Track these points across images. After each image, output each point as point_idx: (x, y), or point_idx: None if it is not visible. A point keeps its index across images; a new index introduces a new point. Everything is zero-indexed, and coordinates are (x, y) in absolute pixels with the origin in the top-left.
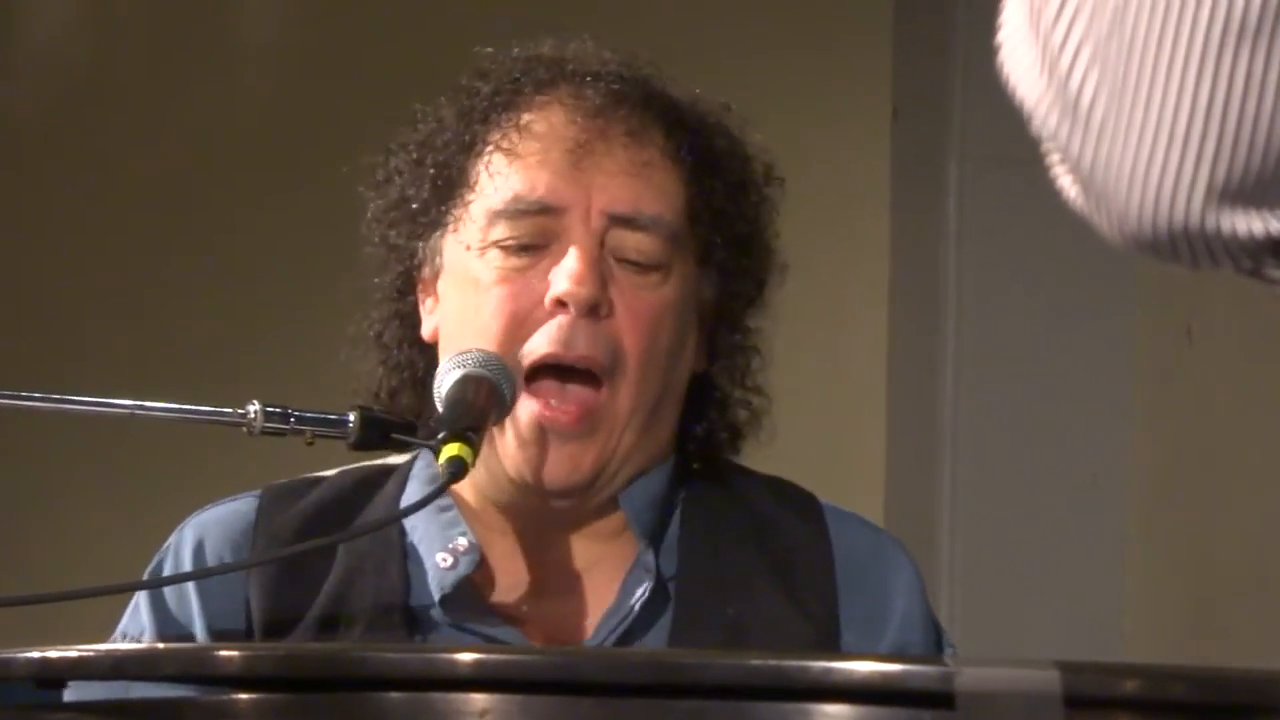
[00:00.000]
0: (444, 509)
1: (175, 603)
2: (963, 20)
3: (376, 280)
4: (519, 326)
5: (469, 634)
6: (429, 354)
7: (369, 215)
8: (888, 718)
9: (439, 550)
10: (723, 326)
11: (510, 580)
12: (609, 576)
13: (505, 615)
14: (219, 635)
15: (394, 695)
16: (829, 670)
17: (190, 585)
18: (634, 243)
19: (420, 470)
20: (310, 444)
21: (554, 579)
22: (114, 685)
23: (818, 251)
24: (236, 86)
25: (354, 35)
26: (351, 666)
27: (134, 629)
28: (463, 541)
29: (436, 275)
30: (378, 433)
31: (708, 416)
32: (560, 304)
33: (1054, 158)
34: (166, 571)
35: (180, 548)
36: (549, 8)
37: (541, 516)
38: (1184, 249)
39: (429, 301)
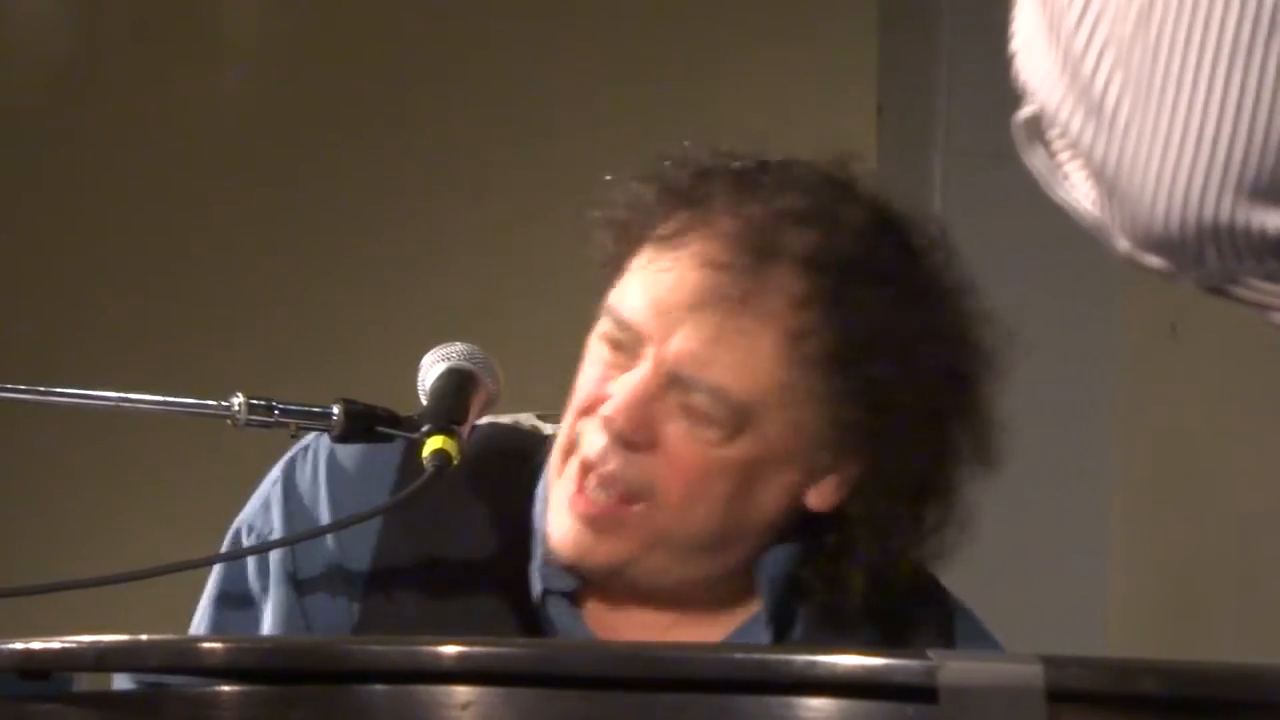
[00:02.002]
0: None
1: (310, 511)
2: (947, 16)
3: None
4: (586, 413)
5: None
6: None
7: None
8: (871, 712)
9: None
10: (863, 472)
11: (614, 603)
12: (714, 630)
13: (595, 627)
14: (343, 558)
15: (378, 688)
16: (812, 664)
17: (323, 498)
18: (694, 400)
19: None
20: (295, 436)
21: (658, 618)
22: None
23: None
24: (224, 79)
25: (339, 32)
26: (336, 659)
27: (262, 526)
28: None
29: None
30: (362, 425)
31: (834, 552)
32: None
33: (1068, 162)
34: (303, 473)
35: (319, 453)
36: (535, 7)
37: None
38: (1209, 249)
39: None
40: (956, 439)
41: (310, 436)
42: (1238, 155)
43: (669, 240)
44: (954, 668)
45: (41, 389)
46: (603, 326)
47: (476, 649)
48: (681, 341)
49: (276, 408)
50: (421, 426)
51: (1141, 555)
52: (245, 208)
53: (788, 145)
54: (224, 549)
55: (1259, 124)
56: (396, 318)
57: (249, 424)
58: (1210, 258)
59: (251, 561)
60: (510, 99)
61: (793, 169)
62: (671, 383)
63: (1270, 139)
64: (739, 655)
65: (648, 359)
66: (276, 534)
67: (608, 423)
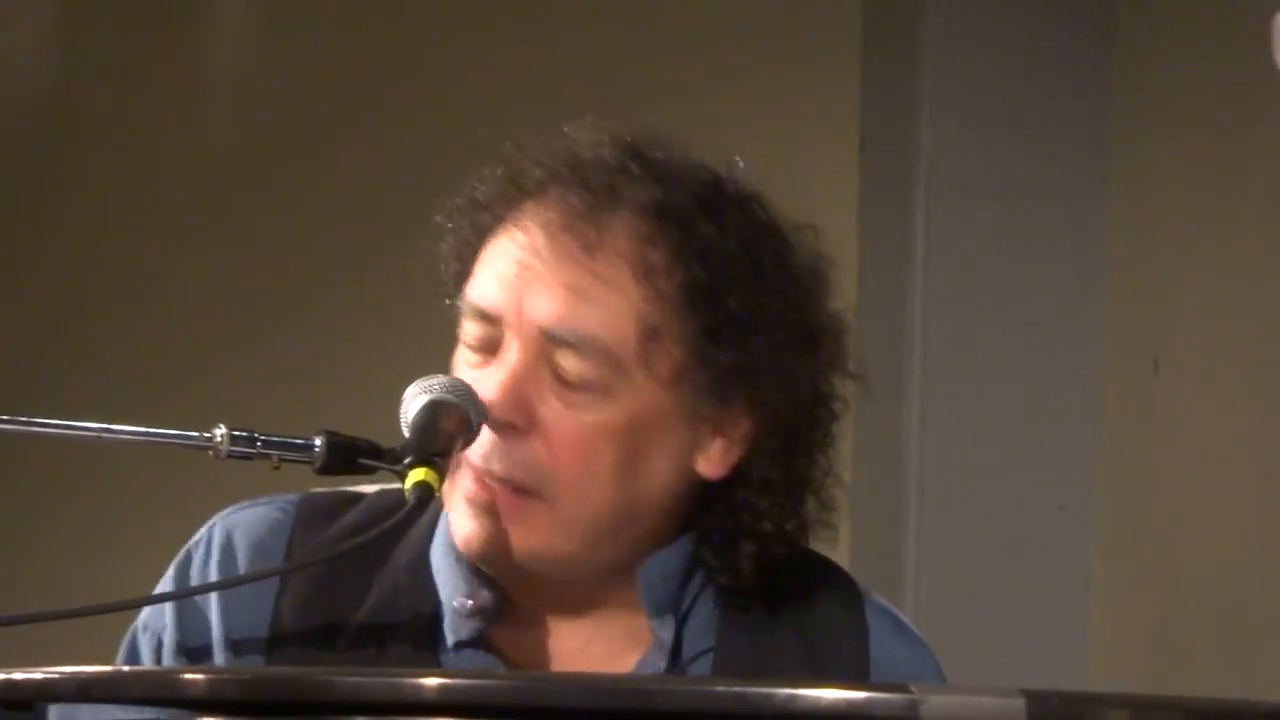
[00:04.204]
0: (459, 560)
1: (199, 601)
2: (930, 52)
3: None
4: None
5: None
6: None
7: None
8: None
9: (462, 593)
10: (755, 430)
11: (526, 642)
12: (628, 649)
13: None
14: (235, 645)
15: (360, 719)
16: (794, 697)
17: (212, 593)
18: (565, 360)
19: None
20: (276, 468)
21: (570, 646)
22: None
23: None
24: (209, 113)
25: (324, 62)
26: (318, 690)
27: (156, 623)
28: (485, 594)
29: None
30: (344, 457)
31: (729, 519)
32: None
33: None
34: (195, 564)
35: (211, 545)
36: (519, 46)
37: (531, 591)
38: None
39: None
40: (822, 384)
41: (204, 528)
42: None
43: (505, 220)
44: (936, 701)
45: (23, 419)
46: (463, 328)
47: (458, 681)
48: (540, 302)
49: (258, 439)
50: (403, 459)
51: (1123, 592)
52: (228, 239)
53: (770, 180)
54: (122, 652)
55: None
56: (380, 350)
57: (230, 455)
58: None
59: (146, 648)
60: (495, 132)
61: (615, 143)
62: (539, 352)
63: None
64: (720, 688)
65: (510, 338)
66: (169, 629)
67: (489, 418)
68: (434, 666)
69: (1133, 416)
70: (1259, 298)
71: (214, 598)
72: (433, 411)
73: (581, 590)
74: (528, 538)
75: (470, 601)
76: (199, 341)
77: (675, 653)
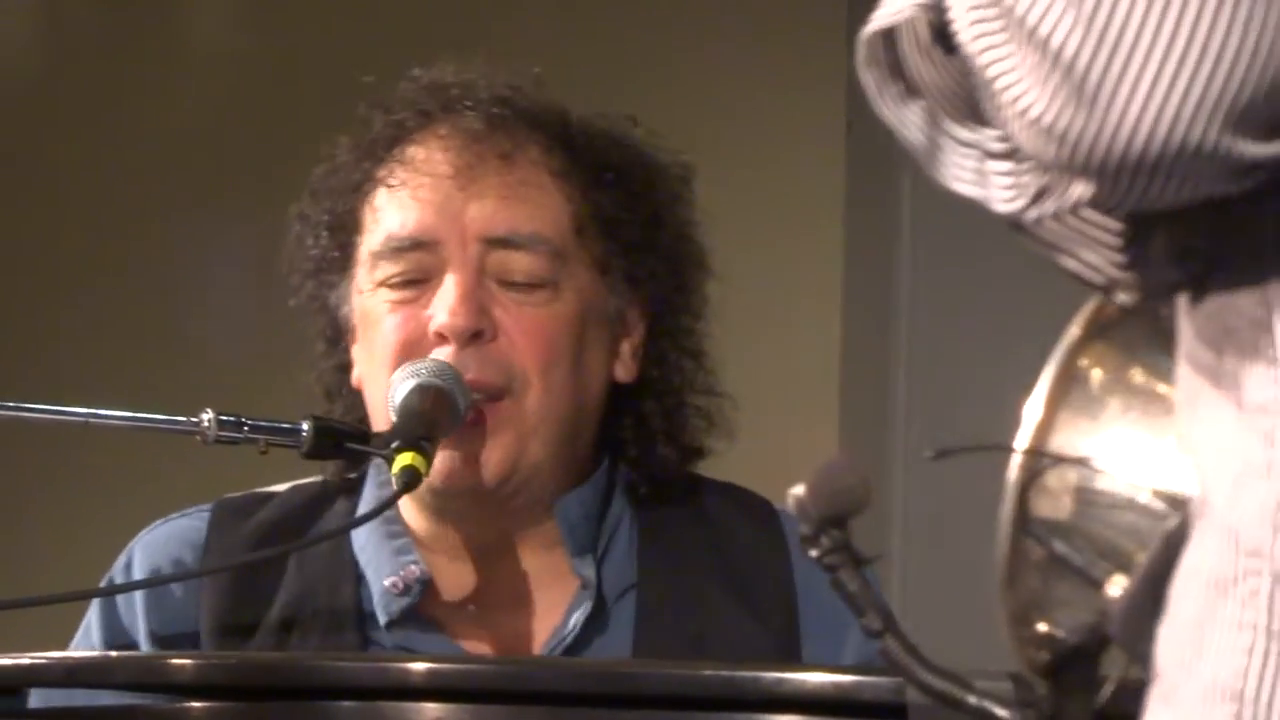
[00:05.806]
0: (394, 535)
1: (126, 620)
2: None
3: (313, 331)
4: (410, 353)
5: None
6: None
7: (286, 267)
8: None
9: (388, 575)
10: (649, 335)
11: (456, 601)
12: (553, 593)
13: (453, 635)
14: (164, 614)
15: (346, 704)
16: (781, 681)
17: (139, 604)
18: (515, 263)
19: (370, 490)
20: (264, 453)
21: (498, 598)
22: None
23: (773, 261)
24: (188, 92)
25: (302, 45)
26: (304, 675)
27: (84, 646)
28: (414, 569)
29: (352, 323)
30: (331, 442)
31: (642, 428)
32: (442, 336)
33: (1028, 68)
34: (120, 577)
35: (131, 568)
36: (495, 32)
37: (478, 531)
38: (1176, 170)
39: (356, 349)
40: (697, 287)
41: (124, 553)
42: (1238, 74)
43: (408, 160)
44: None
45: (11, 404)
46: (378, 274)
47: (445, 666)
48: (478, 215)
49: (246, 424)
50: (390, 443)
51: None
52: (216, 222)
53: (758, 160)
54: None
55: (1263, 44)
56: None
57: (218, 440)
58: (1158, 184)
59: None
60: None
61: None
62: (482, 262)
63: (1270, 63)
64: (707, 672)
65: (452, 257)
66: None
67: (451, 329)
68: (362, 648)
69: None
70: None
71: (140, 620)
72: (420, 396)
73: (509, 538)
74: (500, 448)
75: (400, 581)
76: (183, 324)
77: (599, 593)
